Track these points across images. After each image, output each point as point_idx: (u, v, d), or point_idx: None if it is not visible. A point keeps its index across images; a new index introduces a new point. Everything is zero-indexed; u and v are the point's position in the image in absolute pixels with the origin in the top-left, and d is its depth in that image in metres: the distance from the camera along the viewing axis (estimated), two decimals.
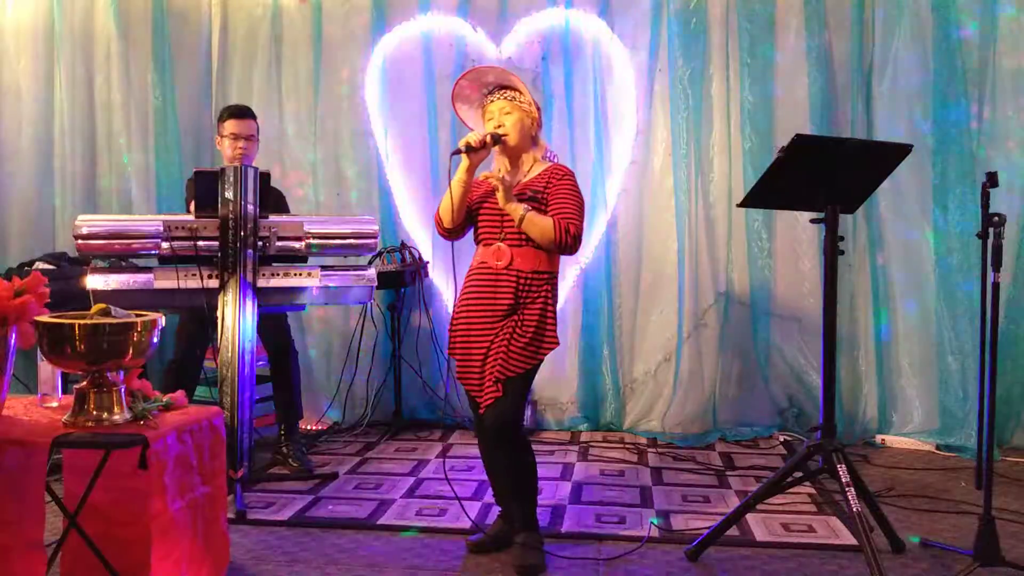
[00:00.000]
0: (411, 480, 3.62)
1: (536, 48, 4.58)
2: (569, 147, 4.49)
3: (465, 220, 2.77)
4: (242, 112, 3.78)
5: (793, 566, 2.67)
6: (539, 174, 2.71)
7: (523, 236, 2.64)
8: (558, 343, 2.69)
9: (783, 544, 2.85)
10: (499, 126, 2.69)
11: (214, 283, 3.19)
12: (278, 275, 3.32)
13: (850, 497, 2.55)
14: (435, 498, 3.36)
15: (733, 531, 2.85)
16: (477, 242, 2.77)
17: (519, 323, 2.62)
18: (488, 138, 2.66)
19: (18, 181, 4.79)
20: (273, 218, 3.34)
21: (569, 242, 2.60)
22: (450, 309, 4.67)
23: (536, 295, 2.65)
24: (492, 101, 2.74)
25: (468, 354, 2.68)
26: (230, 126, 3.71)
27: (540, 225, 2.59)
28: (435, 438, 4.39)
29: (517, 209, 2.60)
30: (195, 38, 4.83)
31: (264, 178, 3.32)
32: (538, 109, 2.77)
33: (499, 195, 2.61)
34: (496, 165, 2.79)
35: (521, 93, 2.73)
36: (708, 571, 2.65)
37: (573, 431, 4.52)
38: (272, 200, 3.50)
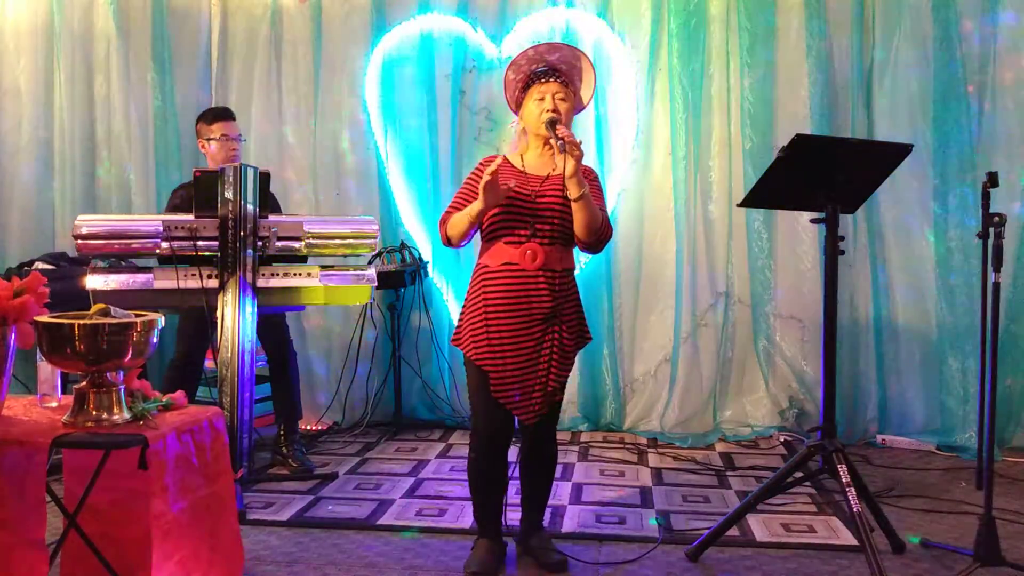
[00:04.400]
0: (411, 480, 3.62)
1: None
2: None
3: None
4: (227, 114, 3.80)
5: (793, 566, 2.67)
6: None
7: (554, 233, 2.52)
8: (592, 337, 2.69)
9: (783, 544, 2.85)
10: (554, 110, 2.53)
11: (214, 283, 3.19)
12: (278, 275, 3.31)
13: (850, 497, 2.55)
14: (435, 498, 3.36)
15: (733, 531, 2.85)
16: (491, 239, 2.58)
17: (563, 327, 2.54)
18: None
19: (18, 181, 4.79)
20: (273, 218, 3.33)
21: (608, 235, 2.57)
22: (450, 309, 4.68)
23: (569, 293, 2.59)
24: (546, 82, 2.57)
25: (506, 362, 2.51)
26: (220, 128, 3.71)
27: (594, 209, 2.50)
28: (435, 438, 4.39)
29: (583, 184, 2.46)
30: (195, 38, 4.83)
31: (264, 178, 3.32)
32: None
33: (571, 162, 2.41)
34: (521, 147, 2.67)
35: (581, 86, 2.64)
36: (708, 571, 2.65)
37: (573, 431, 4.52)
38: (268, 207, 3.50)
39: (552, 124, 2.49)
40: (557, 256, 2.55)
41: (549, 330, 2.53)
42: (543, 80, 2.59)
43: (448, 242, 2.62)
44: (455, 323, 4.54)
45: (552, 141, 2.49)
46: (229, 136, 3.71)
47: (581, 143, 2.47)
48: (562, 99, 2.57)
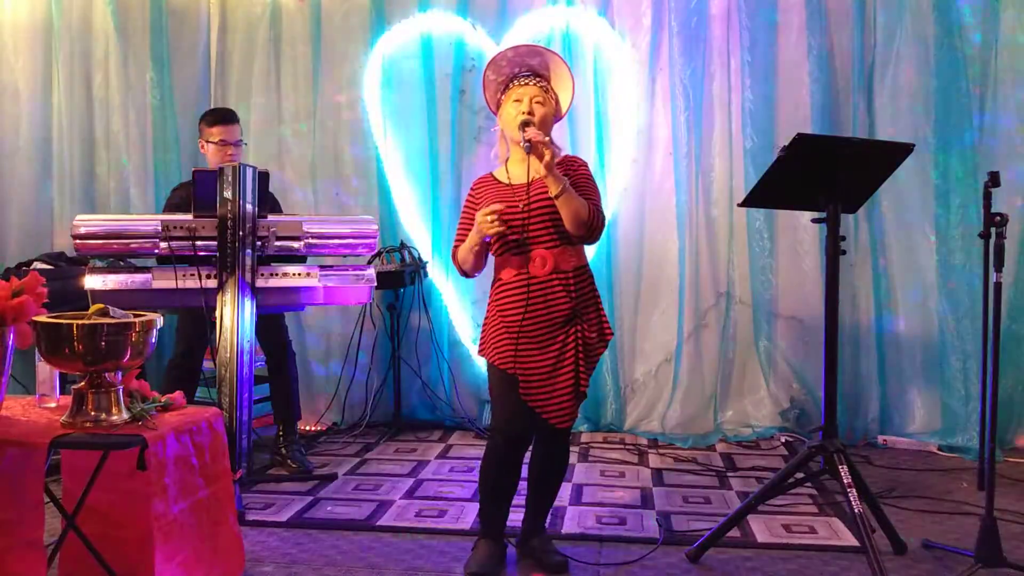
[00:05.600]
0: (410, 481, 3.61)
1: None
2: (569, 146, 4.47)
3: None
4: (228, 117, 3.76)
5: (795, 567, 2.66)
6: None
7: (554, 235, 2.51)
8: (613, 333, 2.66)
9: (784, 545, 2.84)
10: (529, 113, 2.52)
11: (212, 283, 3.18)
12: (277, 275, 3.30)
13: (852, 498, 2.54)
14: (435, 499, 3.35)
15: (734, 532, 2.84)
16: (501, 254, 2.57)
17: (584, 328, 2.53)
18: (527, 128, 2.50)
19: (16, 181, 4.78)
20: (272, 218, 3.33)
21: (600, 224, 2.52)
22: (450, 309, 4.67)
23: (586, 292, 2.57)
24: (525, 84, 2.57)
25: (532, 368, 2.50)
26: (218, 132, 3.69)
27: (577, 203, 2.46)
28: (435, 439, 4.38)
29: (560, 180, 2.43)
30: (194, 37, 4.82)
31: (263, 178, 3.31)
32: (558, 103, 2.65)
33: (546, 159, 2.40)
34: (503, 155, 2.66)
35: (555, 89, 2.61)
36: (709, 573, 2.64)
37: (573, 432, 4.50)
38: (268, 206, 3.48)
39: (524, 126, 2.48)
40: (566, 256, 2.54)
41: (572, 332, 2.52)
42: (523, 82, 2.59)
43: (466, 275, 2.67)
44: (455, 323, 4.63)
45: (520, 143, 2.48)
46: (227, 141, 3.68)
47: (550, 141, 2.46)
48: (540, 103, 2.56)
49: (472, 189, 2.70)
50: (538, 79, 2.60)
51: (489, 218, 2.46)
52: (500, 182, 2.62)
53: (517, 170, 2.59)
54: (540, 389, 2.51)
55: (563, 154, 2.68)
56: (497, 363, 2.55)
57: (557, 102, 2.64)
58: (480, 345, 2.66)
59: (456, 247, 2.66)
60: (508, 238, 2.53)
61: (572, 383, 2.51)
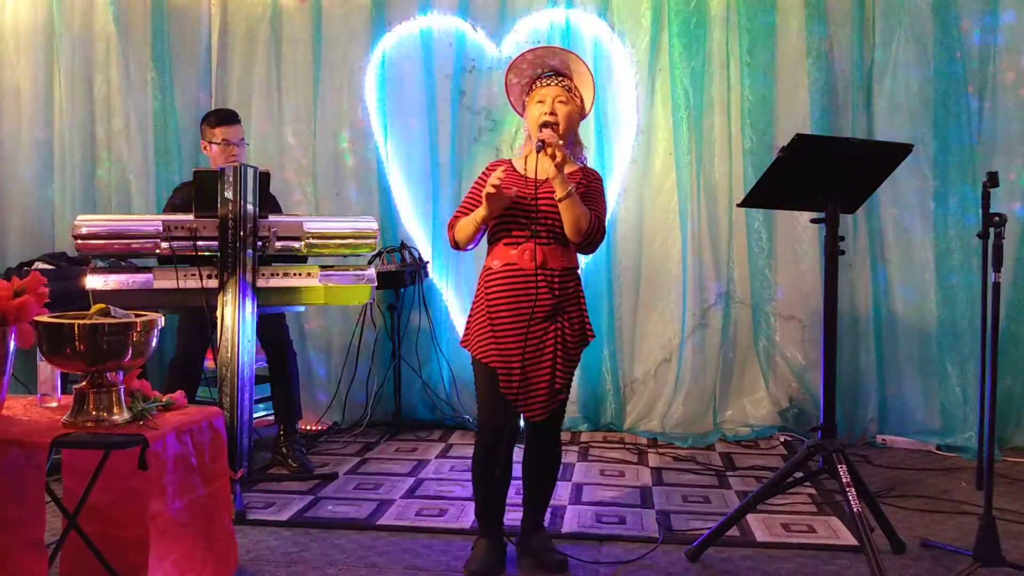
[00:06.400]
0: (411, 480, 3.62)
1: None
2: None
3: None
4: (231, 117, 3.78)
5: (793, 567, 2.67)
6: (571, 172, 2.58)
7: (551, 233, 2.54)
8: (594, 334, 2.67)
9: (783, 544, 2.85)
10: (552, 113, 2.55)
11: (213, 283, 3.19)
12: (277, 275, 3.31)
13: (851, 497, 2.55)
14: (435, 498, 3.36)
15: (733, 531, 2.85)
16: (494, 241, 2.62)
17: (564, 325, 2.55)
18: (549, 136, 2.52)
19: (18, 181, 4.78)
20: (273, 218, 3.34)
21: (598, 237, 2.54)
22: (450, 309, 4.68)
23: (571, 292, 2.59)
24: (547, 85, 2.60)
25: (509, 361, 2.52)
26: (221, 132, 3.71)
27: (579, 210, 2.48)
28: (435, 438, 4.39)
29: (566, 185, 2.46)
30: (194, 37, 4.83)
31: (264, 178, 3.32)
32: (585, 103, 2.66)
33: (557, 160, 2.43)
34: (526, 151, 2.66)
35: (578, 87, 2.62)
36: (708, 571, 2.65)
37: (573, 431, 4.51)
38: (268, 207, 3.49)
39: (542, 127, 2.51)
40: (556, 255, 2.55)
41: (551, 328, 2.54)
42: (545, 83, 2.62)
43: (456, 246, 2.67)
44: (455, 323, 4.63)
45: (534, 143, 2.50)
46: (230, 141, 3.70)
47: (561, 145, 2.47)
48: (563, 102, 2.58)
49: (488, 168, 2.70)
50: (560, 78, 2.62)
51: (498, 180, 2.45)
52: (516, 170, 2.64)
53: (535, 165, 2.60)
54: (515, 382, 2.52)
55: (585, 162, 2.71)
56: (479, 357, 2.57)
57: (581, 100, 2.65)
58: (464, 336, 2.67)
59: (456, 217, 2.65)
60: (510, 222, 2.54)
61: (548, 379, 2.53)
